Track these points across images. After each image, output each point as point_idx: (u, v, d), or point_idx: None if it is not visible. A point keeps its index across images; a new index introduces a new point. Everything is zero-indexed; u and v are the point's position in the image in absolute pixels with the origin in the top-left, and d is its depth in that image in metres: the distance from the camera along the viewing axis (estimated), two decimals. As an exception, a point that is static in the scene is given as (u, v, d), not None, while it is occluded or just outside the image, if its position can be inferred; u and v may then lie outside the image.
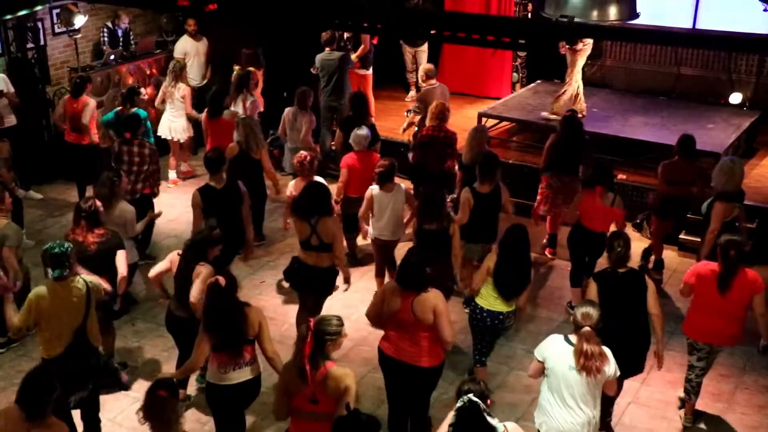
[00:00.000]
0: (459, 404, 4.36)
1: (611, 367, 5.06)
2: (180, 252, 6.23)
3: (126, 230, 7.06)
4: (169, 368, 6.84)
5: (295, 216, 6.86)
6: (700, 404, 6.57)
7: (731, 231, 6.42)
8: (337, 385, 4.75)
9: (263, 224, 9.28)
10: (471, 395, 4.36)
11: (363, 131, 8.38)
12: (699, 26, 10.76)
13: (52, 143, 10.55)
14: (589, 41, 9.89)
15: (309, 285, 6.98)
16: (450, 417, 4.43)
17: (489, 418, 4.34)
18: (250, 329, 5.37)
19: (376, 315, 5.76)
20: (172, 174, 10.73)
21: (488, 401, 4.46)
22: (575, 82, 10.23)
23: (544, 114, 10.45)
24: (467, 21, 7.17)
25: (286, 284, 7.50)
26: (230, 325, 5.31)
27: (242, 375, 5.43)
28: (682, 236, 8.78)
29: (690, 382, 6.39)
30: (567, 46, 9.96)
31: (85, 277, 5.68)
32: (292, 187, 7.89)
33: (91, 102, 9.57)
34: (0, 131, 9.57)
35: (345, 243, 7.89)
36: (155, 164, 8.47)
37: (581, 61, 10.15)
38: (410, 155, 9.18)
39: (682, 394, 6.56)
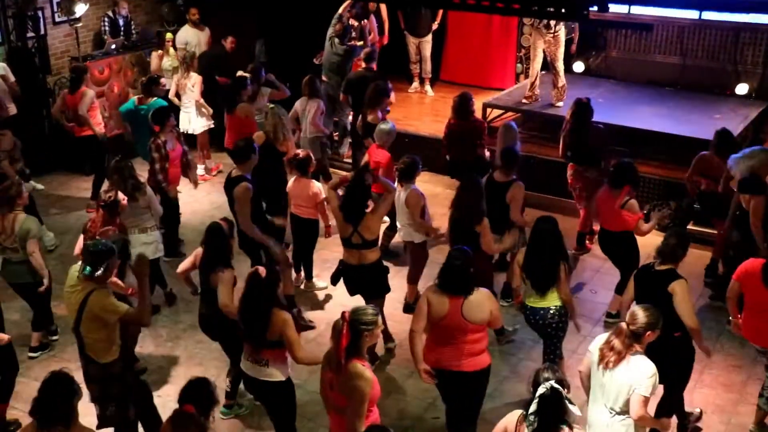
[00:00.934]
0: (541, 391, 4.20)
1: (629, 376, 4.74)
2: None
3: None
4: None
5: (342, 216, 6.57)
6: (711, 394, 6.54)
7: None
8: (347, 381, 4.62)
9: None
10: (552, 383, 4.22)
11: (387, 126, 7.96)
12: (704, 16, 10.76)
13: (52, 134, 10.45)
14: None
15: (358, 285, 6.68)
16: (532, 405, 4.25)
17: (570, 407, 4.19)
18: (269, 333, 5.23)
19: (422, 325, 5.48)
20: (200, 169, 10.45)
21: (567, 389, 4.31)
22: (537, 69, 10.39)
23: (524, 101, 10.63)
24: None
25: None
26: (250, 318, 5.26)
27: (256, 371, 5.34)
28: (690, 227, 8.69)
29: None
30: (549, 36, 10.00)
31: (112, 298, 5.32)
32: (291, 184, 7.72)
33: (89, 92, 9.47)
34: (0, 122, 9.47)
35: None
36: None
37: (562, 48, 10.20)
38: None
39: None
